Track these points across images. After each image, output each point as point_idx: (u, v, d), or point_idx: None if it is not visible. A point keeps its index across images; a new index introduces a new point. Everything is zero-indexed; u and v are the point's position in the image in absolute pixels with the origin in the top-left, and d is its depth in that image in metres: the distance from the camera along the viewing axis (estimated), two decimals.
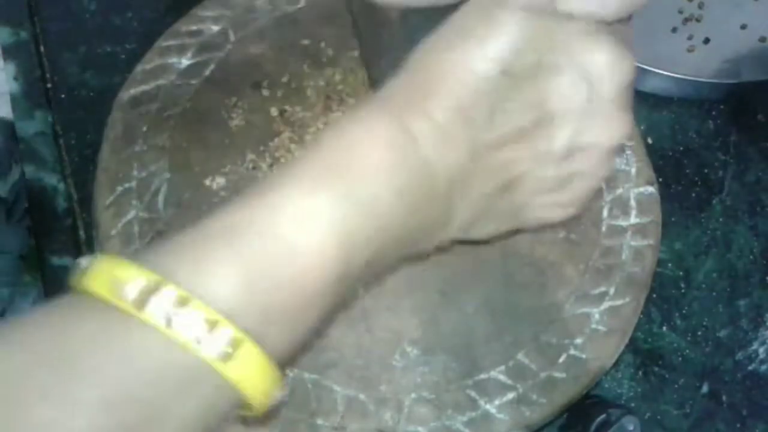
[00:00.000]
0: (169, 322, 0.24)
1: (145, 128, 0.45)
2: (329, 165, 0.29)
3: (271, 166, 0.44)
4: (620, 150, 0.34)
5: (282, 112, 0.47)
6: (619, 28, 0.33)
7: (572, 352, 0.40)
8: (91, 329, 0.25)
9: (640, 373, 0.44)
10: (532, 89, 0.31)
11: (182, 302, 0.24)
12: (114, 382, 0.24)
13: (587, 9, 0.31)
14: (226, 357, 0.25)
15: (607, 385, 0.43)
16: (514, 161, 0.32)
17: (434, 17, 0.32)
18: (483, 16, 0.31)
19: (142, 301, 0.24)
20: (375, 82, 0.42)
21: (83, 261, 0.26)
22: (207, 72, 0.48)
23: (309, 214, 0.27)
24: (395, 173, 0.29)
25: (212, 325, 0.25)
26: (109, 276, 0.25)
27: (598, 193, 0.45)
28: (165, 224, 0.42)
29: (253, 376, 0.25)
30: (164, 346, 0.24)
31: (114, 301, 0.25)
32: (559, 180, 0.33)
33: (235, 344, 0.25)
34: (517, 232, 0.37)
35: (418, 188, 0.30)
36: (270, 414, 0.28)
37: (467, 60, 0.30)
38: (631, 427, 0.39)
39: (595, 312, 0.41)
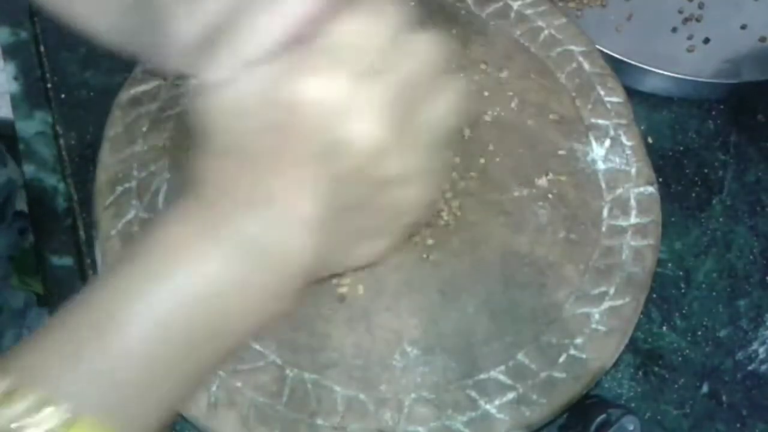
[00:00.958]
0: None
1: (145, 128, 0.45)
2: (144, 261, 0.31)
3: None
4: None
5: None
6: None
7: (572, 352, 0.40)
8: None
9: (640, 373, 0.44)
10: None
11: (10, 393, 0.27)
12: None
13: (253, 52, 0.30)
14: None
15: (607, 385, 0.43)
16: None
17: None
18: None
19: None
20: None
21: None
22: None
23: (129, 308, 0.30)
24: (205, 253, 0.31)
25: (43, 405, 0.27)
26: None
27: (597, 193, 0.45)
28: None
29: None
30: None
31: None
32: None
33: (67, 423, 0.27)
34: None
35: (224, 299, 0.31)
36: None
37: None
38: (631, 427, 0.39)
39: (595, 312, 0.41)
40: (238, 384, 0.38)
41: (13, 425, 0.27)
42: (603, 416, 0.39)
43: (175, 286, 0.31)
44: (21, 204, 0.74)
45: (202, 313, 0.31)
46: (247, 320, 0.33)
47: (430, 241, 0.42)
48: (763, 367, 0.45)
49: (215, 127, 0.31)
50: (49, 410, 0.27)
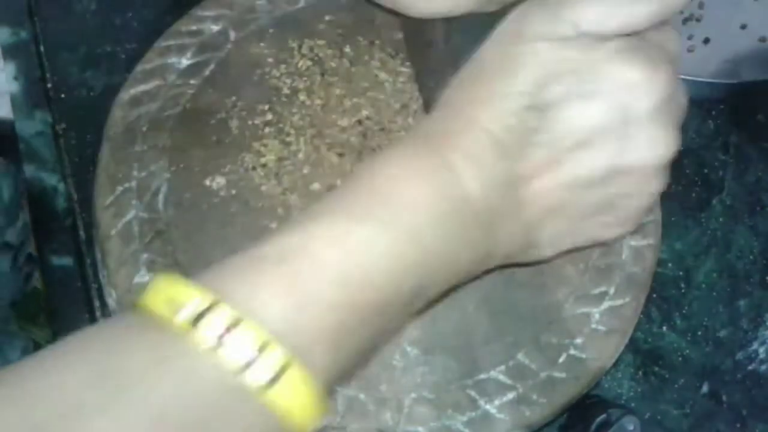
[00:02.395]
0: (220, 344, 0.25)
1: (145, 128, 0.45)
2: (373, 196, 0.30)
3: (264, 166, 0.44)
4: (668, 166, 0.34)
5: (281, 112, 0.47)
6: (655, 37, 0.33)
7: (572, 352, 0.40)
8: (145, 349, 0.25)
9: (640, 373, 0.44)
10: (561, 120, 0.31)
11: (234, 323, 0.25)
12: (164, 403, 0.24)
13: (613, 25, 0.31)
14: (273, 381, 0.25)
15: (607, 385, 0.43)
16: (552, 190, 0.32)
17: (476, 37, 0.32)
18: (501, 53, 0.32)
19: (195, 321, 0.25)
20: (425, 101, 0.43)
21: (146, 279, 0.27)
22: (207, 72, 0.48)
23: (356, 241, 0.28)
24: (436, 204, 0.30)
25: (262, 347, 0.25)
26: (166, 295, 0.26)
27: None
28: (165, 224, 0.42)
29: (298, 402, 0.26)
30: (213, 368, 0.25)
31: (169, 320, 0.25)
32: (604, 202, 0.33)
33: (282, 368, 0.25)
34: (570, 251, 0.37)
35: (460, 219, 0.30)
36: None
37: (492, 98, 0.31)
38: (631, 427, 0.39)
39: (595, 312, 0.41)
40: None
41: (231, 359, 0.25)
42: (603, 416, 0.39)
43: (411, 229, 0.29)
44: (32, 247, 0.74)
45: (426, 260, 0.30)
46: (451, 277, 0.32)
47: None
48: (763, 367, 0.45)
49: (546, 79, 0.31)
50: (266, 355, 0.25)
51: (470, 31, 0.33)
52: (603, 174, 0.32)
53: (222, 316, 0.25)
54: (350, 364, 0.29)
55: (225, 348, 0.25)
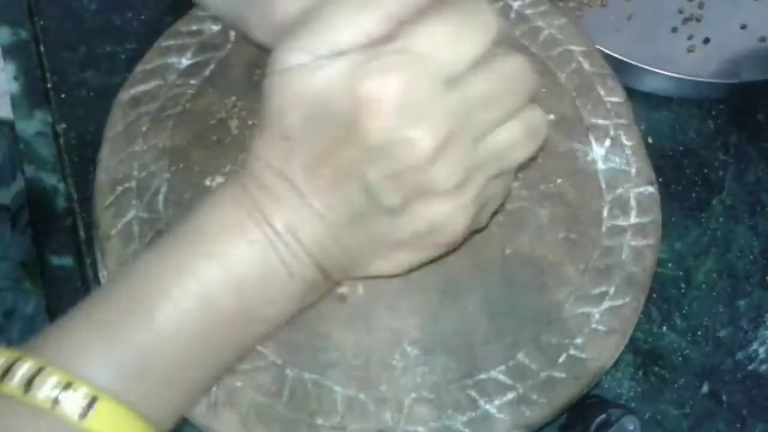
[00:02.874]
0: (28, 389, 0.28)
1: (145, 128, 0.45)
2: (187, 235, 0.33)
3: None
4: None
5: None
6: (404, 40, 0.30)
7: (572, 352, 0.40)
8: None
9: (640, 373, 0.44)
10: (304, 145, 0.32)
11: (38, 370, 0.28)
12: None
13: (344, 39, 0.30)
14: (83, 413, 0.28)
15: (607, 385, 0.43)
16: (331, 224, 0.33)
17: None
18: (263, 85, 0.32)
19: (3, 377, 0.28)
20: None
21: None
22: (207, 72, 0.48)
23: (169, 281, 0.31)
24: (247, 233, 0.32)
25: (68, 386, 0.28)
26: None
27: (597, 193, 0.45)
28: (165, 224, 0.42)
29: (118, 429, 0.29)
30: (33, 414, 0.28)
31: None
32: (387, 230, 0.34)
33: (91, 401, 0.28)
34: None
35: (270, 248, 0.32)
36: None
37: (261, 130, 0.33)
38: (631, 427, 0.39)
39: (595, 312, 0.41)
40: (238, 384, 0.38)
41: (38, 401, 0.28)
42: (603, 416, 0.39)
43: (226, 266, 0.31)
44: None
45: (245, 296, 0.32)
46: (284, 308, 0.34)
47: None
48: (763, 367, 0.45)
49: (283, 108, 0.31)
50: (72, 391, 0.28)
51: None
52: (389, 210, 0.33)
53: (25, 368, 0.28)
54: (191, 393, 0.33)
55: (32, 394, 0.28)
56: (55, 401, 0.28)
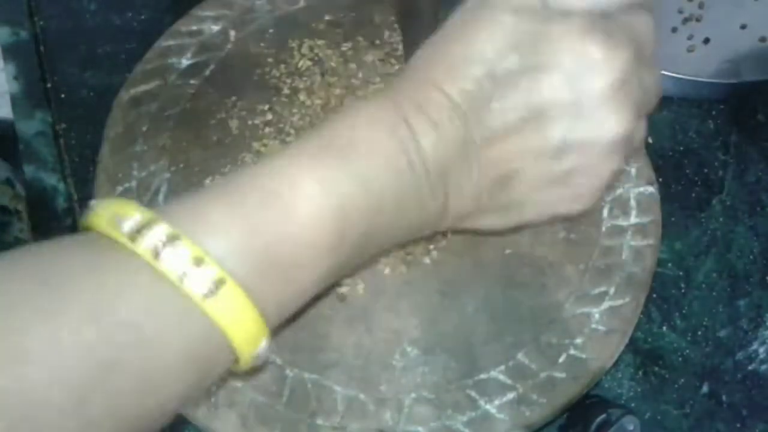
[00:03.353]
0: (157, 255, 0.26)
1: (145, 128, 0.45)
2: (332, 142, 0.31)
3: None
4: (625, 148, 0.33)
5: (281, 112, 0.47)
6: (624, 18, 0.33)
7: (572, 352, 0.40)
8: (86, 257, 0.26)
9: (640, 373, 0.44)
10: (516, 90, 0.32)
11: (172, 238, 0.26)
12: (104, 305, 0.25)
13: (579, 2, 0.32)
14: (209, 294, 0.26)
15: (607, 385, 0.43)
16: (505, 158, 0.33)
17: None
18: (465, 20, 0.33)
19: (136, 234, 0.26)
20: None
21: (93, 202, 0.28)
22: (207, 72, 0.48)
23: (309, 182, 0.29)
24: (393, 158, 0.31)
25: (198, 262, 0.26)
26: (110, 212, 0.27)
27: None
28: None
29: (236, 317, 0.27)
30: (152, 278, 0.26)
31: (110, 233, 0.26)
32: (556, 176, 0.34)
33: (218, 282, 0.26)
34: (521, 228, 0.37)
35: (412, 175, 0.32)
36: (256, 370, 0.30)
37: (452, 62, 0.32)
38: (631, 427, 0.39)
39: (595, 312, 0.41)
40: (238, 384, 0.38)
41: (165, 270, 0.26)
42: (603, 416, 0.39)
43: (365, 182, 0.31)
44: (3, 199, 0.74)
45: (378, 205, 0.31)
46: (401, 235, 0.34)
47: (430, 244, 0.42)
48: (763, 367, 0.45)
49: (501, 46, 0.32)
50: (202, 268, 0.26)
51: (456, 3, 0.34)
52: (555, 148, 0.33)
53: (159, 232, 0.26)
54: (290, 302, 0.31)
55: (161, 261, 0.26)
56: (183, 275, 0.26)
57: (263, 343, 0.29)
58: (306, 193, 0.29)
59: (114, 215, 0.27)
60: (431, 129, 0.32)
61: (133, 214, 0.27)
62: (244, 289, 0.27)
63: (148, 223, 0.26)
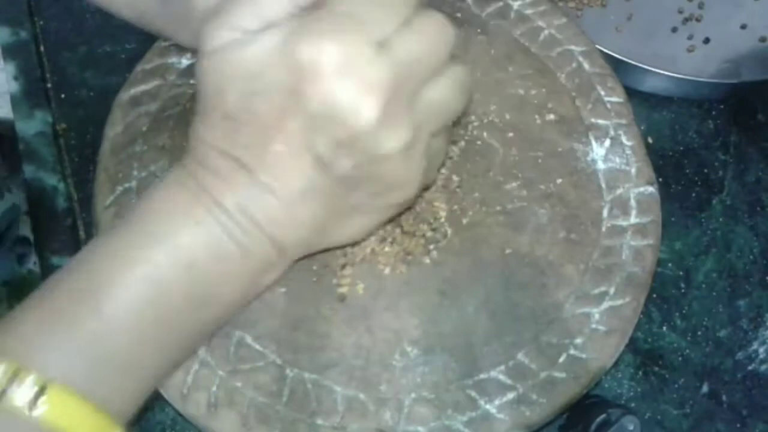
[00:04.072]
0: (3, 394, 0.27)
1: (145, 128, 0.45)
2: (141, 236, 0.32)
3: None
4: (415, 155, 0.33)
5: None
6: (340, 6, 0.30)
7: (572, 352, 0.40)
8: None
9: (640, 373, 0.44)
10: (245, 122, 0.31)
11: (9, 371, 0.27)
12: None
13: (272, 11, 0.30)
14: (33, 402, 0.27)
15: (607, 385, 0.43)
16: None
17: None
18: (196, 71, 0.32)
19: None
20: None
21: None
22: None
23: (123, 276, 0.31)
24: (196, 243, 0.32)
25: (13, 375, 0.27)
26: None
27: (597, 193, 0.45)
28: None
29: (71, 418, 0.28)
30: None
31: None
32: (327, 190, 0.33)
33: (39, 389, 0.27)
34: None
35: (220, 248, 0.32)
36: None
37: (202, 114, 0.32)
38: (631, 427, 0.39)
39: (595, 312, 0.41)
40: (238, 384, 0.38)
41: None
42: (603, 416, 0.39)
43: (174, 250, 0.31)
44: (24, 230, 0.74)
45: (197, 277, 0.31)
46: (239, 288, 0.33)
47: (430, 244, 0.42)
48: (763, 367, 0.45)
49: (220, 87, 0.31)
50: (19, 381, 0.27)
51: None
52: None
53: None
54: (147, 387, 0.32)
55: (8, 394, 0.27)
56: (2, 393, 0.27)
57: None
58: (115, 279, 0.30)
59: None
60: (223, 184, 0.32)
61: None
62: (77, 390, 0.28)
63: None
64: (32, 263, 0.74)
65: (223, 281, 0.33)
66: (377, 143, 0.31)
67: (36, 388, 0.27)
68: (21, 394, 0.27)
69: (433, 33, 0.31)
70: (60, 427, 0.27)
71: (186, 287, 0.31)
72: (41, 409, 0.27)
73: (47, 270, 0.45)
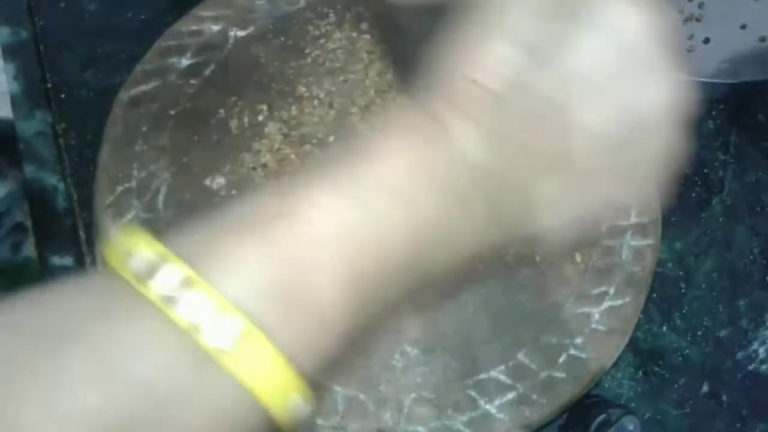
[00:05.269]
0: (170, 302, 0.22)
1: (145, 128, 0.45)
2: (363, 159, 0.27)
3: (264, 166, 0.44)
4: (677, 118, 0.30)
5: (280, 112, 0.47)
6: None
7: (572, 352, 0.40)
8: (91, 305, 0.23)
9: (640, 373, 0.44)
10: (555, 61, 0.28)
11: (187, 282, 0.23)
12: (109, 363, 0.22)
13: None
14: (230, 346, 0.23)
15: (607, 385, 0.43)
16: (552, 136, 0.29)
17: (439, 18, 0.31)
18: (480, 8, 0.29)
19: (146, 276, 0.23)
20: (399, 88, 0.43)
21: (112, 232, 0.25)
22: (207, 72, 0.48)
23: (341, 205, 0.26)
24: (429, 166, 0.27)
25: (218, 311, 0.23)
26: (122, 247, 0.24)
27: None
28: (165, 224, 0.42)
29: (262, 370, 0.23)
30: (165, 327, 0.22)
31: (121, 272, 0.23)
32: (607, 152, 0.30)
33: (240, 333, 0.23)
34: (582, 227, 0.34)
35: (454, 180, 0.28)
36: (298, 427, 0.26)
37: (477, 47, 0.28)
38: (631, 427, 0.39)
39: (595, 312, 0.41)
40: None
41: (178, 320, 0.22)
42: (603, 416, 0.39)
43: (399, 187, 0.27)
44: (22, 216, 0.74)
45: (411, 231, 0.27)
46: (445, 251, 0.29)
47: None
48: (763, 367, 0.45)
49: (501, 2, 0.28)
50: (221, 319, 0.23)
51: (438, 14, 0.32)
52: (605, 119, 0.29)
53: (173, 273, 0.23)
54: (336, 345, 0.27)
55: (175, 308, 0.22)
56: (199, 325, 0.22)
57: (297, 396, 0.25)
58: (338, 222, 0.25)
59: (125, 251, 0.24)
60: (471, 126, 0.28)
61: (143, 251, 0.23)
62: (269, 339, 0.23)
63: (160, 262, 0.23)
64: (29, 250, 0.73)
65: (437, 235, 0.28)
66: (663, 137, 0.30)
67: (237, 330, 0.22)
68: (220, 332, 0.22)
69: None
70: (244, 378, 0.23)
71: (403, 235, 0.27)
72: (233, 355, 0.22)
73: (47, 270, 0.45)
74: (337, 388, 0.38)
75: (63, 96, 0.51)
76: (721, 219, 0.49)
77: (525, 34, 0.28)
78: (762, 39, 0.57)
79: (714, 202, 0.50)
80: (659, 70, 0.29)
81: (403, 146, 0.27)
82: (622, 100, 0.29)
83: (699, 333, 0.45)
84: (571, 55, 0.28)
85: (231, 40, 0.49)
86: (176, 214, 0.43)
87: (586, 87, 0.28)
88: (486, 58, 0.28)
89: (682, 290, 0.47)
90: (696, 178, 0.51)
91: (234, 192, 0.43)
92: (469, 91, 0.28)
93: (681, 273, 0.47)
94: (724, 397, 0.44)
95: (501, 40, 0.28)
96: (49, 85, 0.51)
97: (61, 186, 0.47)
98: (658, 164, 0.31)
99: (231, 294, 0.23)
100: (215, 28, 0.50)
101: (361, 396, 0.38)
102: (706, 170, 0.51)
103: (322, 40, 0.50)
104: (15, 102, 0.50)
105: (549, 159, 0.29)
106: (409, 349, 0.40)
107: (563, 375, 0.39)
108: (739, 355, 0.45)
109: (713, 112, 0.54)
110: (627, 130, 0.30)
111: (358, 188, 0.26)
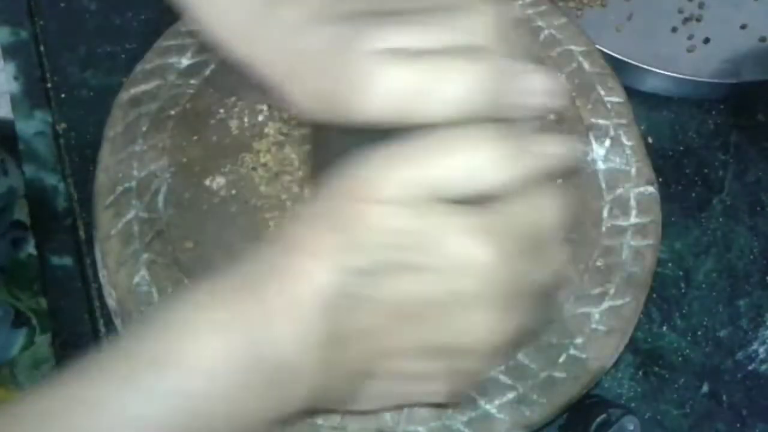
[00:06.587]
0: None
1: (145, 128, 0.45)
2: (162, 346, 0.29)
3: (264, 166, 0.44)
4: (498, 351, 0.31)
5: (281, 112, 0.47)
6: (520, 209, 0.30)
7: (572, 352, 0.40)
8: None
9: (640, 373, 0.44)
10: (389, 289, 0.29)
11: None
12: None
13: (467, 188, 0.29)
14: None
15: (607, 385, 0.43)
16: (370, 355, 0.31)
17: (366, 138, 0.30)
18: (339, 206, 0.29)
19: None
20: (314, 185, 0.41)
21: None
22: (207, 72, 0.48)
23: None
24: (231, 361, 0.29)
25: None
26: None
27: (597, 193, 0.45)
28: (165, 224, 0.42)
29: None
30: None
31: None
32: (422, 374, 0.32)
33: None
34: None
35: (257, 376, 0.29)
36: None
37: (324, 253, 0.29)
38: (631, 427, 0.39)
39: (595, 312, 0.41)
40: None
41: None
42: (603, 416, 0.39)
43: (180, 380, 0.28)
44: (21, 214, 0.74)
45: (199, 412, 0.29)
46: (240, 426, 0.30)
47: None
48: (763, 367, 0.45)
49: (354, 223, 0.29)
50: None
51: (358, 134, 0.31)
52: (423, 349, 0.30)
53: None
54: None
55: None
56: None
57: None
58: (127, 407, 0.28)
59: None
60: (294, 323, 0.29)
61: None
62: None
63: None
64: (31, 248, 0.73)
65: (229, 416, 0.30)
66: (475, 369, 0.32)
67: None
68: None
69: (549, 210, 0.32)
70: None
71: (188, 422, 0.29)
72: None
73: (48, 270, 0.45)
74: None
75: (63, 96, 0.51)
76: (721, 219, 0.49)
77: (369, 256, 0.29)
78: (762, 39, 0.57)
79: (714, 202, 0.50)
80: (484, 317, 0.29)
81: (211, 340, 0.29)
82: (436, 339, 0.30)
83: (699, 333, 0.45)
84: (401, 287, 0.29)
85: None
86: (176, 214, 0.43)
87: (407, 319, 0.29)
88: (330, 267, 0.29)
89: (682, 290, 0.47)
90: (696, 178, 0.51)
91: (234, 192, 0.43)
92: (302, 289, 0.29)
93: (681, 273, 0.47)
94: (724, 397, 0.44)
95: (347, 257, 0.29)
96: (49, 85, 0.51)
97: (61, 186, 0.47)
98: (462, 385, 0.33)
99: None
100: None
101: None
102: (706, 170, 0.51)
103: None
104: (15, 102, 0.50)
105: (360, 371, 0.31)
106: None
107: (563, 375, 0.39)
108: (739, 355, 0.45)
109: (713, 112, 0.54)
110: (437, 362, 0.31)
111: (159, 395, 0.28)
